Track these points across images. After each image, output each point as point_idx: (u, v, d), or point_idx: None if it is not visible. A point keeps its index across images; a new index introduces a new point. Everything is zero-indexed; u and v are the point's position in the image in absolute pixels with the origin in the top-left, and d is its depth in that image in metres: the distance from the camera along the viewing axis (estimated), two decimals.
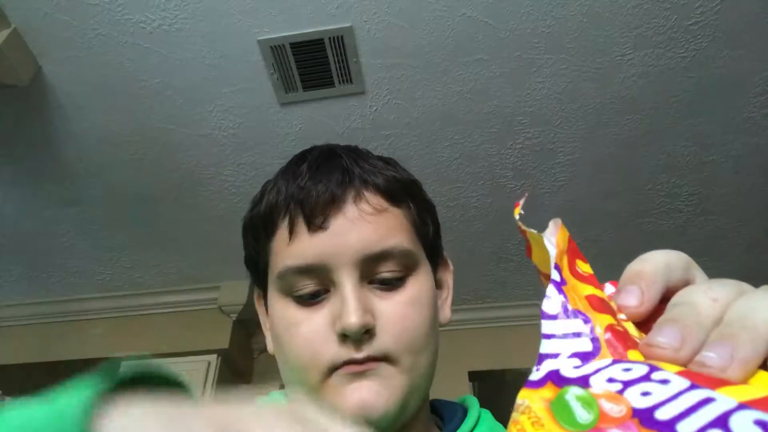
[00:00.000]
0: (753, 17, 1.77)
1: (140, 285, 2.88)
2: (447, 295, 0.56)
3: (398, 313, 0.45)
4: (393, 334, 0.44)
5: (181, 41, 1.82)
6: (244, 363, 2.99)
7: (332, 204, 0.46)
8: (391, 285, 0.46)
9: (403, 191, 0.51)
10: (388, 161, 0.54)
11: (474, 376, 2.92)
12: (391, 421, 0.44)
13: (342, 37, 1.81)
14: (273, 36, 1.82)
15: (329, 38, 1.82)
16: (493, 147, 2.20)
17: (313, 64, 1.90)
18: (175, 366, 2.70)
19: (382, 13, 1.76)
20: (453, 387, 2.79)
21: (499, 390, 3.90)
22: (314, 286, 0.46)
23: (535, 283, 2.89)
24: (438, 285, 0.54)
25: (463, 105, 2.04)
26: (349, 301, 0.43)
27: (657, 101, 2.03)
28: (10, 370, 2.84)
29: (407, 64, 1.91)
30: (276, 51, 1.85)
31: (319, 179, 0.47)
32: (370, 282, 0.46)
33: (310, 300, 0.46)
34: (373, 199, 0.48)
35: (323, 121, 2.09)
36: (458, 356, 2.87)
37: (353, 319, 0.42)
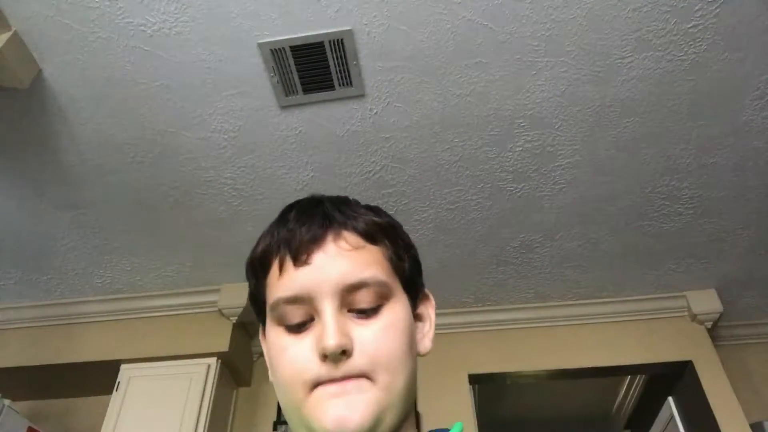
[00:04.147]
0: (752, 20, 1.77)
1: (140, 288, 2.87)
2: (429, 328, 0.60)
3: (373, 337, 0.50)
4: (368, 354, 0.49)
5: (181, 44, 1.82)
6: (244, 365, 2.98)
7: (314, 243, 0.53)
8: (367, 314, 0.52)
9: (380, 232, 0.56)
10: (372, 208, 0.60)
11: (474, 379, 2.91)
12: None
13: (342, 40, 1.82)
14: (273, 39, 1.82)
15: (329, 41, 1.82)
16: (493, 150, 2.20)
17: (313, 67, 1.90)
18: (175, 368, 2.70)
19: (382, 16, 1.77)
20: (453, 389, 2.78)
21: (499, 393, 3.90)
22: (301, 317, 0.52)
23: (535, 286, 2.89)
24: (419, 318, 0.60)
25: (463, 108, 2.04)
26: (328, 326, 0.49)
27: (657, 104, 2.03)
28: (9, 372, 2.83)
29: (407, 67, 1.91)
30: (276, 54, 1.85)
31: (303, 223, 0.55)
32: (349, 311, 0.52)
33: (297, 328, 0.52)
34: (351, 238, 0.54)
35: (323, 124, 2.09)
36: (458, 359, 2.87)
37: (331, 341, 0.48)
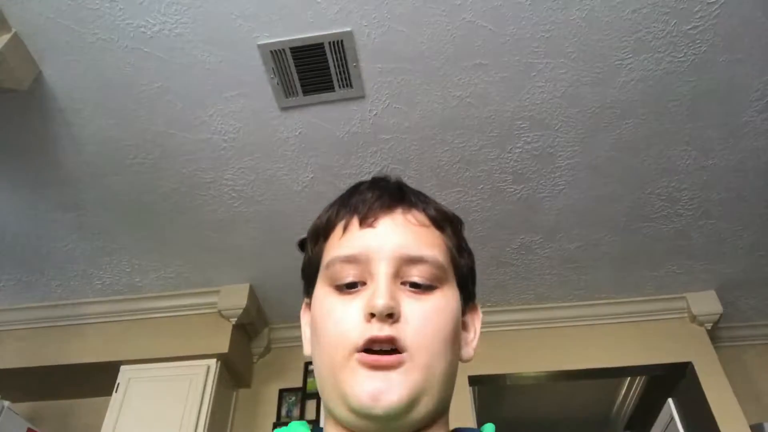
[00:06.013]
0: (752, 22, 1.77)
1: (140, 289, 2.87)
2: (473, 338, 0.61)
3: (422, 314, 0.49)
4: (414, 329, 0.48)
5: (181, 46, 1.83)
6: (244, 367, 2.98)
7: (383, 209, 0.54)
8: (421, 290, 0.51)
9: (447, 221, 0.57)
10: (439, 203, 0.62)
11: (474, 381, 2.91)
12: (400, 414, 0.46)
13: (342, 41, 1.82)
14: (273, 40, 1.82)
15: (329, 43, 1.82)
16: (493, 151, 2.20)
17: (313, 69, 1.90)
18: (174, 370, 2.70)
19: (382, 17, 1.77)
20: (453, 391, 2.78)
21: (498, 394, 3.90)
22: (353, 277, 0.51)
23: (535, 288, 2.89)
24: (465, 327, 0.59)
25: (463, 109, 2.04)
26: (381, 287, 0.48)
27: (656, 105, 2.03)
28: (9, 374, 2.83)
29: (407, 69, 1.91)
30: (276, 55, 1.86)
31: (377, 191, 0.56)
32: (403, 283, 0.51)
33: (347, 289, 0.51)
34: (419, 216, 0.55)
35: (323, 125, 2.10)
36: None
37: (381, 300, 0.47)
